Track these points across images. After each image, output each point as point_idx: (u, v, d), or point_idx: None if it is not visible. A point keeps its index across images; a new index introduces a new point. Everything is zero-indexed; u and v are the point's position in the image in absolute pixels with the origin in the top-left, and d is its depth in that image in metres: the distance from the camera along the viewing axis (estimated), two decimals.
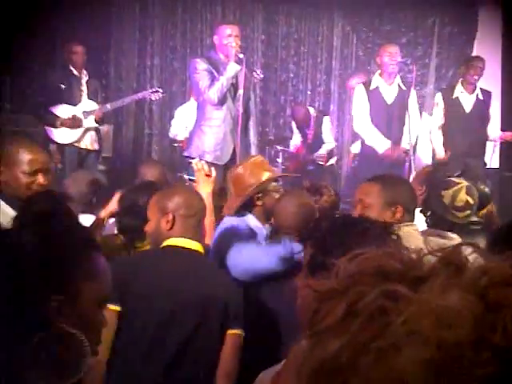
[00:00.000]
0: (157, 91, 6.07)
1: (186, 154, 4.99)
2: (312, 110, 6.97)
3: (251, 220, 2.98)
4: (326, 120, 6.94)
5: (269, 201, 2.95)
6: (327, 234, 1.52)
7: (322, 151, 6.79)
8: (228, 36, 4.69)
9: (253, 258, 2.64)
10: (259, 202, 2.98)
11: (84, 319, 1.20)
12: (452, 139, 5.73)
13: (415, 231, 2.49)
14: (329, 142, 6.86)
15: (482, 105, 5.80)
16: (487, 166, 6.06)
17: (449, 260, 0.55)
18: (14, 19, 5.89)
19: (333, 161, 6.99)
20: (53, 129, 5.82)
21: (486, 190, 3.38)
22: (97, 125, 5.98)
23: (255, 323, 2.41)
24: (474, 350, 0.49)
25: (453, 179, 2.97)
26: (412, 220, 2.53)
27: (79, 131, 5.89)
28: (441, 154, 5.78)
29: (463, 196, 2.82)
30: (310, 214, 2.70)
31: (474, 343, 0.49)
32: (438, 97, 5.88)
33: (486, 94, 5.86)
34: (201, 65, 4.71)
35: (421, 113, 5.95)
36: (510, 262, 0.55)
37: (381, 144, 5.45)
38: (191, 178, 3.05)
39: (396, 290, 0.52)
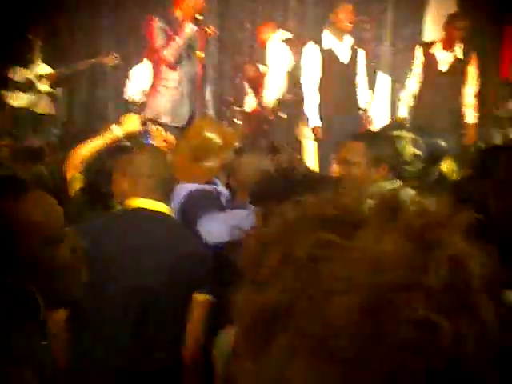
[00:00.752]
0: (111, 55, 5.96)
1: (141, 115, 4.92)
2: (263, 68, 6.91)
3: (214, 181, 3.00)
4: None
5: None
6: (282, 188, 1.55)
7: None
8: None
9: (226, 225, 2.65)
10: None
11: (31, 264, 1.20)
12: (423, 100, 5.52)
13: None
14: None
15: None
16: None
17: (385, 204, 0.55)
18: None
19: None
20: (6, 92, 5.68)
21: (443, 143, 3.40)
22: (51, 89, 5.85)
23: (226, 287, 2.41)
24: (405, 292, 0.49)
25: (397, 133, 2.97)
26: (397, 177, 2.59)
27: (34, 95, 5.76)
28: (404, 112, 5.58)
29: (410, 149, 2.88)
30: (266, 173, 2.73)
31: (406, 286, 0.49)
32: (418, 51, 5.57)
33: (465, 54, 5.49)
34: (156, 23, 4.62)
35: (375, 71, 5.96)
36: (446, 203, 0.56)
37: (312, 119, 5.36)
38: (149, 143, 3.04)
39: (329, 238, 0.52)
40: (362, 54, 5.51)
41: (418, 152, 2.90)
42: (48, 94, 5.91)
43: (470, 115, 5.47)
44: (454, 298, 0.49)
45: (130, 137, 3.06)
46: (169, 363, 2.26)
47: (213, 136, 3.01)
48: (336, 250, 0.52)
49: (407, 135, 2.92)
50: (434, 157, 3.05)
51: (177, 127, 4.51)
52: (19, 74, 5.69)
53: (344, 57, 5.46)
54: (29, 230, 1.21)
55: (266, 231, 0.57)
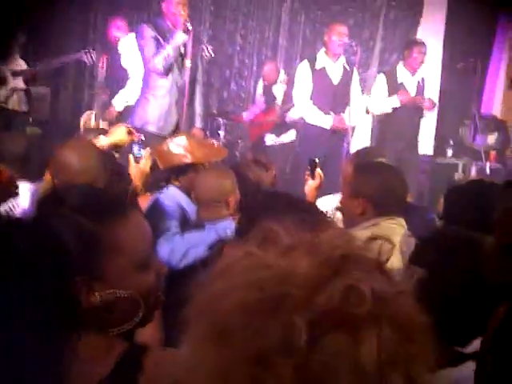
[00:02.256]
0: (89, 52, 5.90)
1: (128, 123, 4.91)
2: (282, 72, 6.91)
3: (179, 194, 2.99)
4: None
5: (189, 181, 2.98)
6: (257, 204, 1.56)
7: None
8: (177, 4, 4.62)
9: (181, 251, 2.64)
10: (176, 182, 3.01)
11: (120, 288, 1.15)
12: (390, 124, 5.80)
13: (394, 225, 2.34)
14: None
15: (422, 91, 5.90)
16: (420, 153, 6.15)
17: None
18: None
19: (287, 138, 6.72)
20: None
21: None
22: (25, 86, 5.81)
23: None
24: (295, 304, 0.57)
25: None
26: (385, 214, 2.34)
27: (5, 91, 5.70)
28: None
29: None
30: (227, 188, 2.73)
31: (303, 299, 0.57)
32: (381, 78, 5.91)
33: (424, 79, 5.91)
34: (147, 31, 4.62)
35: (362, 94, 6.05)
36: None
37: (325, 120, 5.50)
38: (137, 155, 3.02)
39: (252, 251, 0.62)
40: (355, 74, 5.62)
41: None
42: (24, 90, 5.85)
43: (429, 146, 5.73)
44: (335, 320, 0.56)
45: (117, 147, 3.05)
46: None
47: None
48: (252, 258, 0.62)
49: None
50: None
51: (162, 137, 4.50)
52: None
53: (336, 77, 5.57)
54: (124, 253, 1.16)
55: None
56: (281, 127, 6.67)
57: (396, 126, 5.69)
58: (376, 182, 2.36)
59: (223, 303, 0.59)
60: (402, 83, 5.81)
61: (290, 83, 6.51)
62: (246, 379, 0.56)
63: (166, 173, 3.07)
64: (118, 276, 1.15)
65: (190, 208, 2.92)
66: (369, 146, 5.73)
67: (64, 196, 1.22)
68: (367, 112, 5.98)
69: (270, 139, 6.73)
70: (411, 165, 5.48)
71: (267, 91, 6.89)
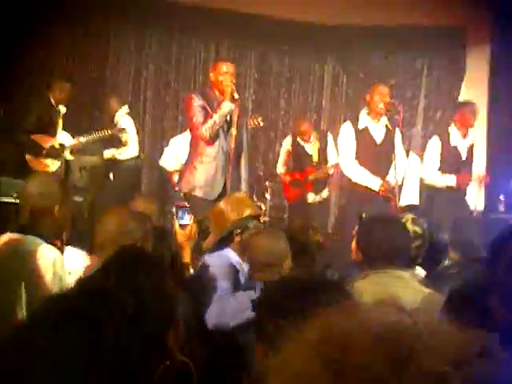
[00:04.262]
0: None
1: (177, 188, 5.04)
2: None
3: (231, 254, 3.01)
4: (331, 138, 6.81)
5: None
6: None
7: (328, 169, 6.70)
8: (224, 73, 4.76)
9: (232, 311, 2.66)
10: (237, 238, 3.03)
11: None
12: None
13: (386, 278, 2.40)
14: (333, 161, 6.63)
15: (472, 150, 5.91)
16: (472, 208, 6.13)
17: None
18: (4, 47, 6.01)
19: (325, 194, 6.89)
20: (34, 159, 5.84)
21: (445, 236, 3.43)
22: (72, 157, 6.07)
23: None
24: None
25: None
26: (374, 267, 2.43)
27: (59, 163, 5.94)
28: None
29: (410, 226, 2.92)
30: (282, 252, 2.75)
31: None
32: (435, 142, 5.96)
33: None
34: (195, 100, 4.76)
35: (408, 153, 6.05)
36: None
37: (372, 181, 5.52)
38: (181, 222, 3.09)
39: None
40: (398, 133, 5.65)
41: (419, 230, 2.96)
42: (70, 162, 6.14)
43: None
44: None
45: None
46: None
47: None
48: None
49: (409, 215, 3.00)
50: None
51: (209, 200, 4.59)
52: (46, 142, 5.90)
53: (378, 137, 5.61)
54: None
55: None
56: (318, 185, 6.74)
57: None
58: (364, 237, 2.53)
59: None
60: (455, 146, 5.84)
61: (323, 142, 6.69)
62: None
63: (227, 232, 3.11)
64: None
65: (242, 268, 2.95)
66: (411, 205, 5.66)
67: None
68: (421, 179, 6.04)
69: (310, 197, 6.77)
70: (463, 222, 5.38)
71: (300, 149, 6.92)
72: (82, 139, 6.06)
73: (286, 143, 7.07)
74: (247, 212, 3.08)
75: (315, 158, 6.78)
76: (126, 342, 1.07)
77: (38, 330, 1.04)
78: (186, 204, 3.29)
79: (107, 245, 2.34)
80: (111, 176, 6.54)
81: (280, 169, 7.03)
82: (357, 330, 0.63)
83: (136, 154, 6.57)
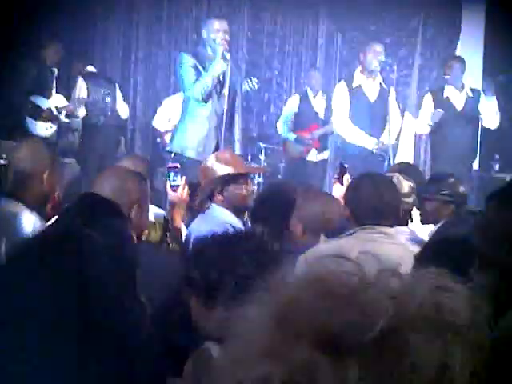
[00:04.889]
0: None
1: (168, 148, 5.01)
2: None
3: (222, 214, 2.97)
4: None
5: (233, 194, 3.01)
6: None
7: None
8: (216, 30, 4.69)
9: None
10: (220, 197, 3.02)
11: None
12: (443, 141, 5.71)
13: (375, 235, 2.40)
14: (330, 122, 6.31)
15: (472, 103, 5.78)
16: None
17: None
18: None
19: (326, 155, 6.74)
20: (33, 120, 5.78)
21: (462, 189, 3.42)
22: (67, 120, 6.00)
23: None
24: None
25: (389, 174, 3.14)
26: (362, 225, 2.43)
27: (54, 126, 5.89)
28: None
29: (404, 183, 2.95)
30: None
31: None
32: (428, 98, 5.83)
33: (476, 92, 5.85)
34: (187, 60, 4.69)
35: (403, 112, 6.01)
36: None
37: (367, 141, 5.48)
38: (173, 183, 3.07)
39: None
40: (392, 92, 5.59)
41: (413, 184, 3.01)
42: (67, 124, 6.07)
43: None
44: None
45: None
46: None
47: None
48: None
49: (396, 173, 3.04)
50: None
51: (201, 162, 4.56)
52: (44, 104, 5.83)
53: (372, 95, 5.55)
54: None
55: None
56: (322, 142, 6.64)
57: (449, 138, 5.61)
58: (352, 194, 2.53)
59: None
60: (447, 97, 5.74)
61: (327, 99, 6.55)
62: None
63: (209, 189, 3.07)
64: None
65: (238, 224, 2.89)
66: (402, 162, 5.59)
67: None
68: (415, 133, 5.95)
69: (313, 155, 6.69)
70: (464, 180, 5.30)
71: (306, 107, 6.81)
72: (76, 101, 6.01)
73: (293, 102, 6.86)
74: (227, 170, 3.06)
75: (321, 116, 6.66)
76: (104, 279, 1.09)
77: (11, 271, 1.06)
78: (178, 165, 3.27)
79: None
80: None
81: (282, 127, 6.84)
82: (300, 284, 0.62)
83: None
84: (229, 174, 3.05)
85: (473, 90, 5.84)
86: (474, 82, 6.36)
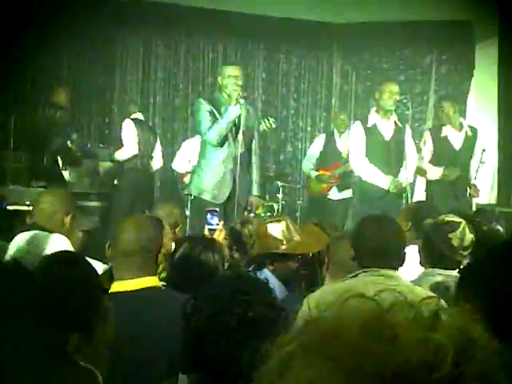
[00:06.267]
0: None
1: (186, 191, 5.09)
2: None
3: (270, 279, 2.81)
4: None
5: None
6: None
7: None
8: (228, 77, 4.80)
9: None
10: (271, 267, 2.88)
11: (97, 357, 1.36)
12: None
13: (375, 277, 2.37)
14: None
15: (471, 141, 5.77)
16: (486, 202, 6.06)
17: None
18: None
19: (348, 194, 6.69)
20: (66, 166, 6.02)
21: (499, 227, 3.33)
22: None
23: None
24: None
25: (452, 219, 2.88)
26: (364, 266, 2.41)
27: (78, 170, 6.09)
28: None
29: (469, 236, 2.78)
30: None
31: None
32: (427, 135, 5.85)
33: (473, 130, 5.82)
34: (203, 105, 4.80)
35: (418, 149, 6.01)
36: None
37: (383, 180, 5.48)
38: (210, 227, 3.10)
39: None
40: (408, 130, 5.61)
41: (474, 237, 2.81)
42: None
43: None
44: None
45: None
46: None
47: None
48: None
49: (462, 221, 2.82)
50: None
51: (217, 204, 4.61)
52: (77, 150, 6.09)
53: (387, 133, 5.57)
54: None
55: None
56: (344, 181, 6.62)
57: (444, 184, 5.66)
58: (356, 236, 2.49)
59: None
60: (445, 136, 5.75)
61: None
62: None
63: (260, 256, 2.95)
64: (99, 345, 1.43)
65: (282, 296, 2.69)
66: (421, 201, 5.58)
67: None
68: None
69: (334, 194, 6.69)
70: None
71: (331, 146, 6.76)
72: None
73: (320, 141, 6.86)
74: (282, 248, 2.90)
75: (344, 155, 6.62)
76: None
77: None
78: (216, 208, 3.29)
79: (127, 254, 2.26)
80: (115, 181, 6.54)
81: (306, 165, 6.84)
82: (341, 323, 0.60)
83: (134, 153, 6.39)
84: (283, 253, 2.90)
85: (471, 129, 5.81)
86: (489, 115, 6.36)
